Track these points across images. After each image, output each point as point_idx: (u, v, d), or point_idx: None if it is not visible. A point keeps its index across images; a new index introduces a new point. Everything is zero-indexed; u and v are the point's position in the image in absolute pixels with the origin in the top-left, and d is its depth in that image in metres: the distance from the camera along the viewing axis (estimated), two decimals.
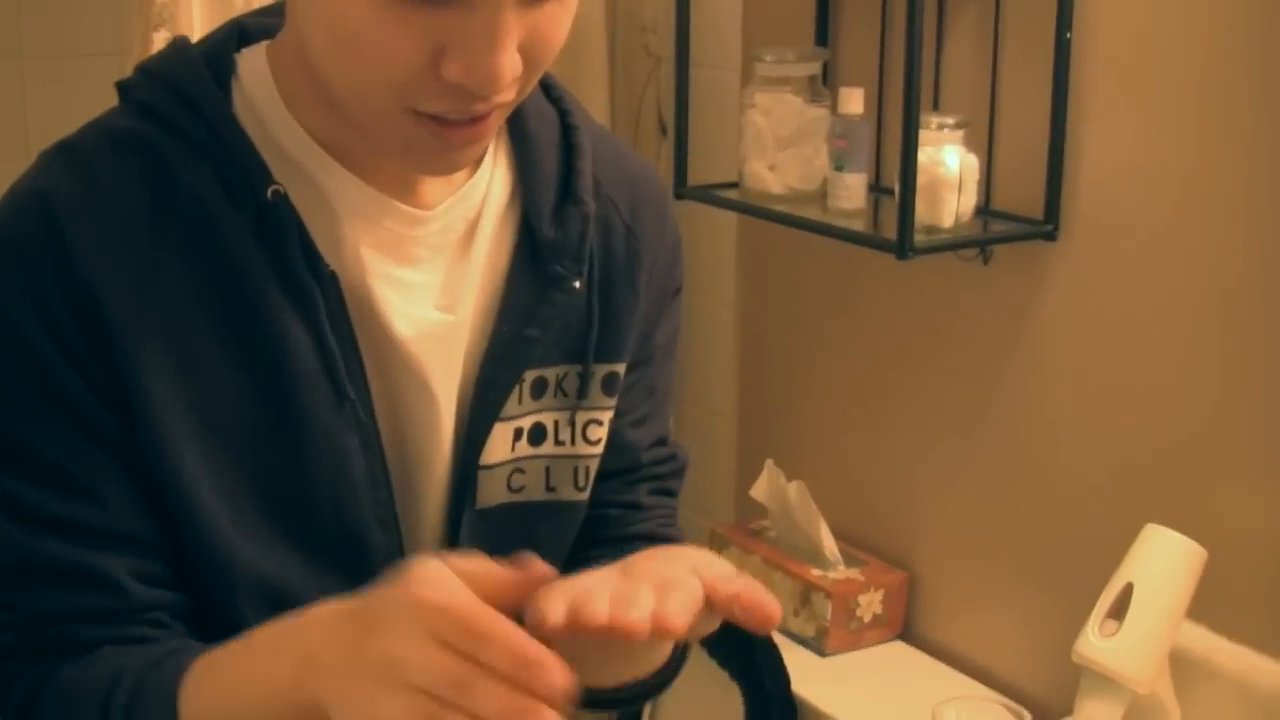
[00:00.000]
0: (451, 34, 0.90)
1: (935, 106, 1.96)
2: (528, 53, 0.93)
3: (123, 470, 0.99)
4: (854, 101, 1.91)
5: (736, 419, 2.47)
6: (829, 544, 2.14)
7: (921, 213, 1.79)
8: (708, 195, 2.13)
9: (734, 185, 2.10)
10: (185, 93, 1.01)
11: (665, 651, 1.08)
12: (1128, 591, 1.61)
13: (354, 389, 1.02)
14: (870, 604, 2.11)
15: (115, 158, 1.00)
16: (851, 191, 1.92)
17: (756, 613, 0.90)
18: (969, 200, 1.84)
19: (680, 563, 0.91)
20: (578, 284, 1.11)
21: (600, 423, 1.15)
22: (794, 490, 2.16)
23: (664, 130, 2.46)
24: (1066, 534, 1.91)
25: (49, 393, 0.98)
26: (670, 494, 1.23)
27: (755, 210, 2.05)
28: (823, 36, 2.12)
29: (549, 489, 1.14)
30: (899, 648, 2.15)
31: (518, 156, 1.12)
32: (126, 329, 0.97)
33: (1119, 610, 1.61)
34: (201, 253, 0.99)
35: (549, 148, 1.13)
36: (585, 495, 1.16)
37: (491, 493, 1.10)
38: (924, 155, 1.78)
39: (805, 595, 2.11)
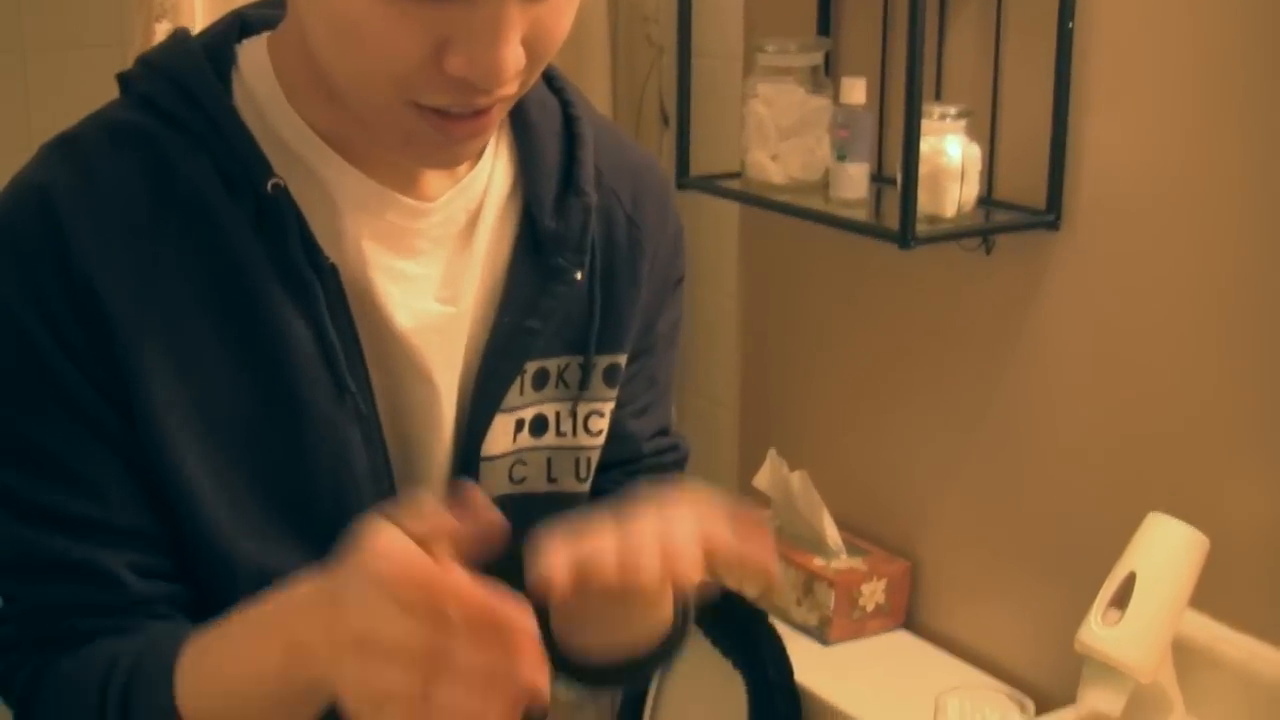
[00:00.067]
0: (454, 27, 0.89)
1: (937, 96, 1.95)
2: (531, 45, 0.92)
3: (122, 464, 0.99)
4: (856, 91, 1.91)
5: (739, 409, 2.47)
6: (832, 533, 2.14)
7: (924, 202, 1.79)
8: (710, 185, 2.13)
9: (736, 175, 2.10)
10: (185, 85, 1.01)
11: (665, 619, 1.08)
12: (1130, 580, 1.62)
13: (354, 381, 1.02)
14: (873, 593, 2.12)
15: (115, 151, 1.00)
16: (854, 181, 1.92)
17: (756, 577, 0.91)
18: (971, 190, 1.84)
19: (680, 521, 0.92)
20: (579, 275, 1.10)
21: (602, 414, 1.15)
22: (797, 480, 2.16)
23: (666, 120, 2.46)
24: (1069, 523, 1.91)
25: (48, 387, 0.97)
26: (670, 481, 1.23)
27: (757, 200, 2.05)
28: (825, 26, 2.12)
29: (550, 480, 1.14)
30: (902, 637, 2.16)
31: (519, 147, 1.12)
32: (125, 323, 0.97)
33: (1122, 599, 1.61)
34: (201, 246, 0.99)
35: (551, 138, 1.13)
36: (587, 486, 1.16)
37: (493, 484, 1.10)
38: (926, 145, 1.78)
39: (808, 585, 2.12)
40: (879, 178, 2.01)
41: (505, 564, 1.10)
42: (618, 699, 2.37)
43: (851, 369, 2.22)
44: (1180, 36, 1.69)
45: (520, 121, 1.12)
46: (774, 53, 2.00)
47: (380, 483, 1.05)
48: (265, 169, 0.99)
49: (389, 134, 0.97)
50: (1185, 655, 1.70)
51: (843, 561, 2.13)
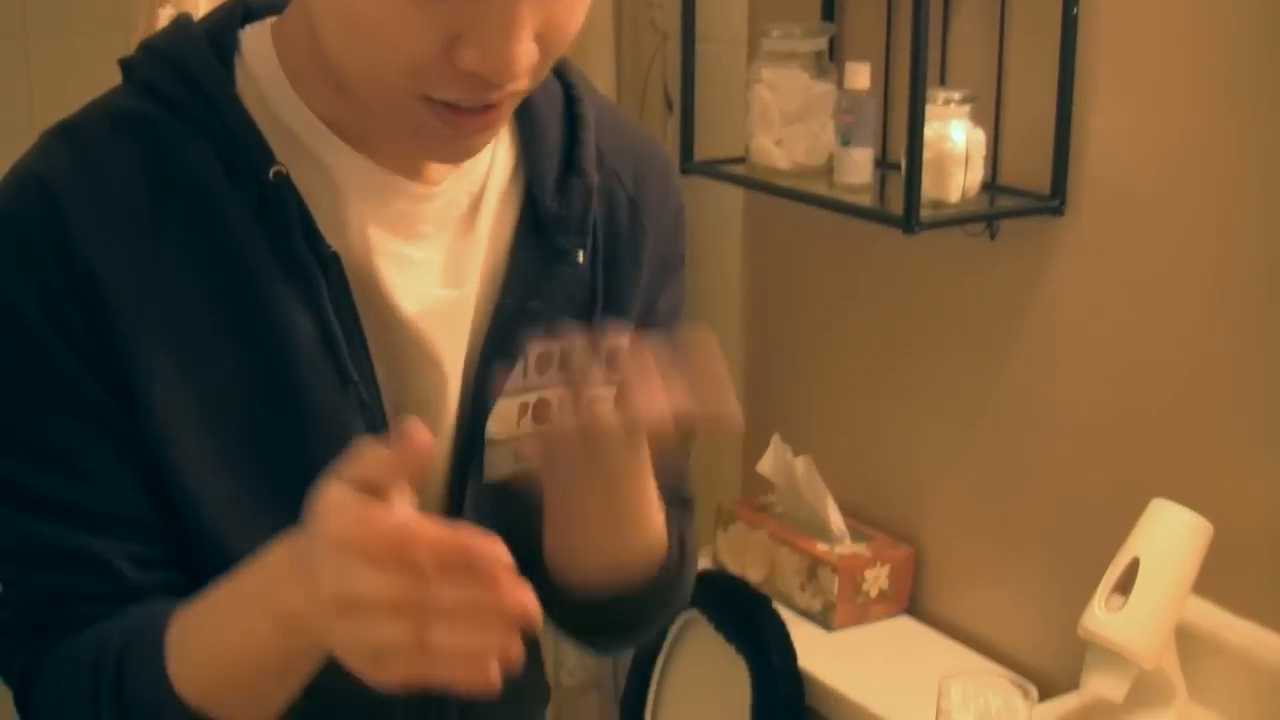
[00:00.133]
0: (467, 21, 0.89)
1: (942, 81, 1.95)
2: (542, 40, 0.92)
3: (121, 454, 0.99)
4: (860, 76, 1.90)
5: (743, 394, 2.47)
6: (835, 519, 2.14)
7: (928, 188, 1.79)
8: (714, 170, 2.13)
9: (740, 160, 2.09)
10: (188, 71, 1.00)
11: (658, 540, 1.08)
12: (1134, 566, 1.62)
13: (357, 371, 1.02)
14: (876, 579, 2.12)
15: (116, 139, 0.99)
16: (858, 166, 1.92)
17: (716, 415, 0.94)
18: (975, 175, 1.84)
19: (632, 366, 0.95)
20: (581, 257, 1.10)
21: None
22: (800, 465, 2.16)
23: (670, 106, 2.46)
24: (1073, 509, 1.91)
25: (48, 376, 0.97)
26: (674, 454, 1.22)
27: (761, 185, 2.05)
28: (829, 11, 2.11)
29: None
30: (905, 622, 2.16)
31: (521, 129, 1.12)
32: (126, 313, 0.97)
33: (1125, 585, 1.62)
34: (202, 234, 0.99)
35: (552, 119, 1.12)
36: None
37: (498, 466, 1.10)
38: (930, 130, 1.77)
39: (812, 570, 2.12)
40: (883, 163, 2.01)
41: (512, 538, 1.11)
42: (621, 684, 2.38)
43: (855, 354, 2.22)
44: (1185, 22, 1.68)
45: (522, 104, 1.11)
46: (778, 38, 2.00)
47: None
48: (267, 156, 0.99)
49: (398, 127, 0.96)
50: (1188, 641, 1.70)
51: (846, 547, 2.13)
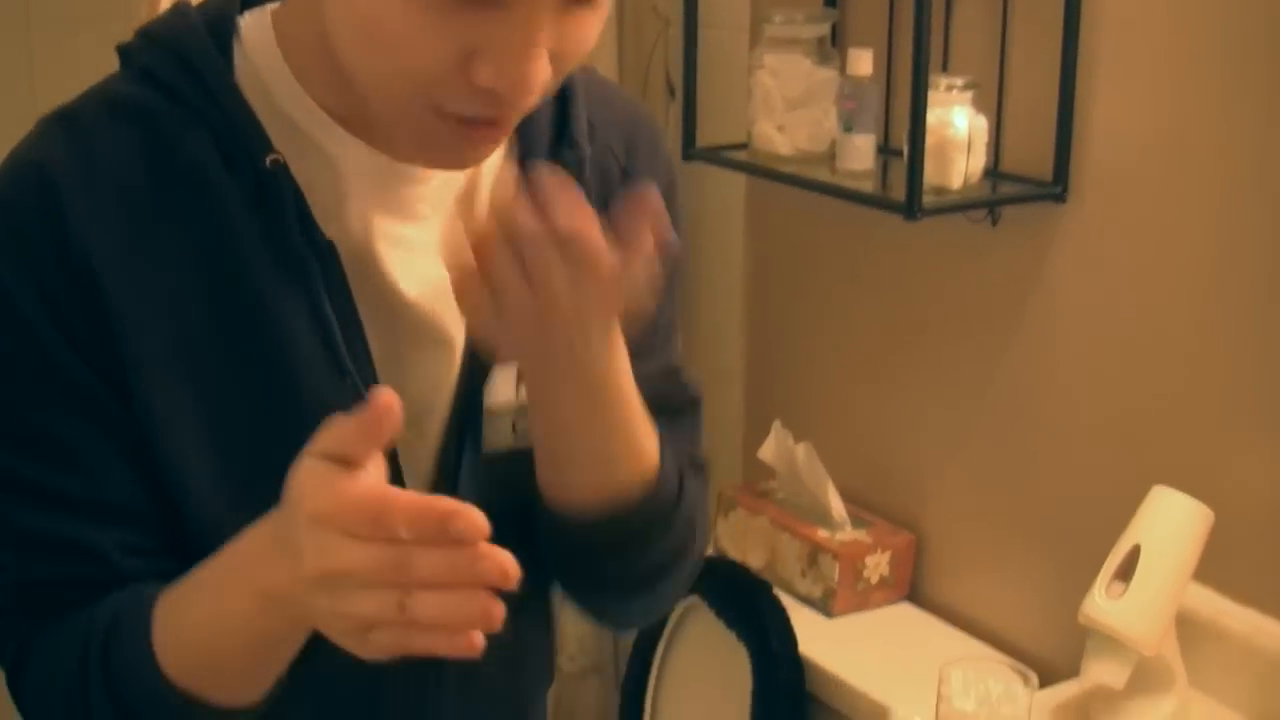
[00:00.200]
0: (484, 38, 0.89)
1: (944, 68, 1.95)
2: (556, 59, 0.92)
3: (115, 442, 0.99)
4: (863, 63, 1.90)
5: (744, 380, 2.47)
6: (836, 505, 2.14)
7: (930, 174, 1.79)
8: (716, 156, 2.13)
9: (742, 147, 2.09)
10: (186, 57, 1.00)
11: (649, 458, 1.06)
12: (1135, 553, 1.62)
13: (354, 361, 1.02)
14: (877, 565, 2.12)
15: (114, 127, 0.99)
16: (860, 153, 1.92)
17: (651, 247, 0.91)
18: (978, 162, 1.84)
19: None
20: None
21: None
22: (801, 451, 2.16)
23: (672, 92, 2.45)
24: (1074, 496, 1.91)
25: (42, 365, 0.97)
26: (680, 421, 1.20)
27: (763, 171, 2.05)
28: None
29: None
30: (906, 609, 2.16)
31: None
32: (123, 302, 0.97)
33: (1126, 572, 1.62)
34: (199, 223, 0.99)
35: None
36: None
37: (497, 437, 1.10)
38: (933, 116, 1.77)
39: (812, 556, 2.12)
40: (885, 149, 2.00)
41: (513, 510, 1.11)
42: (621, 669, 2.38)
43: (857, 341, 2.22)
44: (1188, 8, 1.68)
45: None
46: (781, 24, 1.99)
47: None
48: (264, 144, 0.99)
49: (405, 134, 0.96)
50: (1189, 628, 1.70)
51: (847, 533, 2.14)
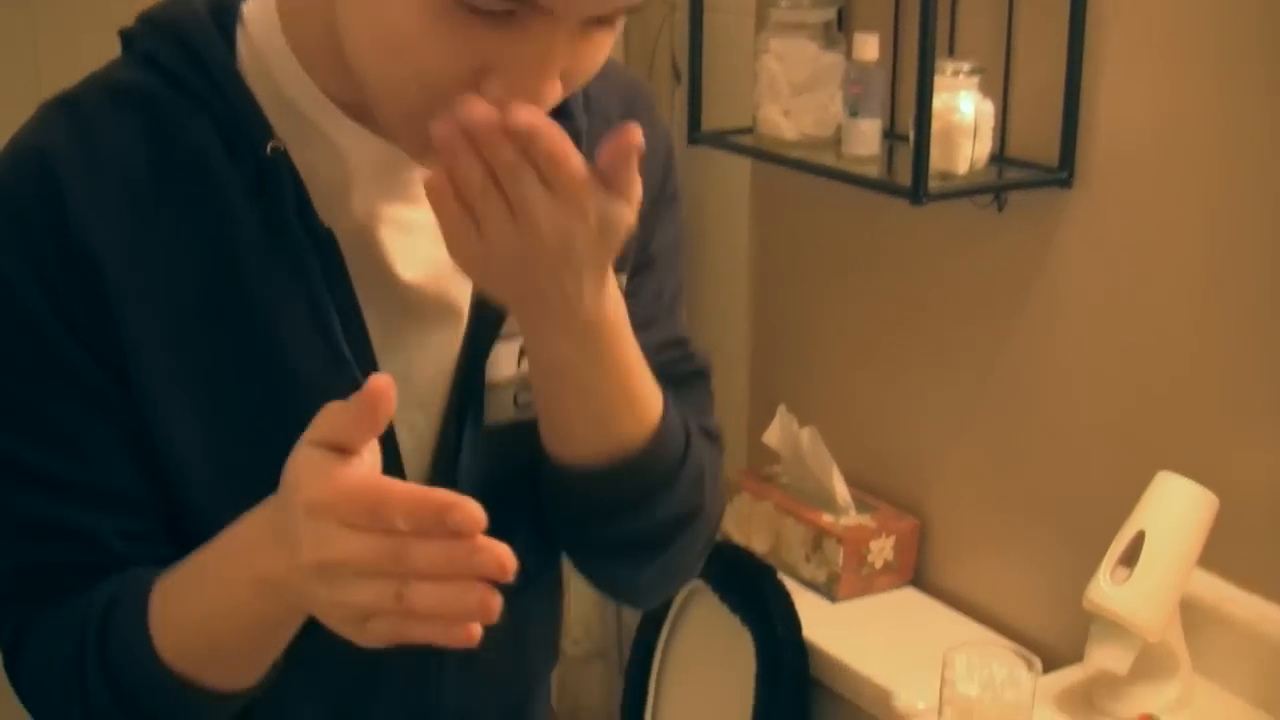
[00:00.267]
0: (500, 55, 0.88)
1: (950, 53, 1.94)
2: (566, 78, 0.91)
3: (114, 429, 0.99)
4: (869, 47, 1.90)
5: (749, 364, 2.47)
6: (841, 490, 2.14)
7: (936, 159, 1.79)
8: (721, 141, 2.12)
9: (748, 131, 2.09)
10: (188, 43, 1.00)
11: (651, 412, 1.05)
12: (1139, 539, 1.62)
13: (351, 349, 1.01)
14: (882, 550, 2.12)
15: (116, 113, 0.98)
16: (866, 138, 1.92)
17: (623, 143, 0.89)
18: (984, 147, 1.83)
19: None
20: None
21: None
22: (806, 436, 2.16)
23: (678, 76, 2.45)
24: (1078, 481, 1.91)
25: (42, 352, 0.97)
26: (688, 390, 1.19)
27: (769, 156, 2.05)
28: None
29: None
30: (910, 594, 2.16)
31: None
32: (123, 289, 0.97)
33: (1130, 558, 1.62)
34: (200, 210, 0.98)
35: None
36: None
37: (498, 410, 1.09)
38: (939, 101, 1.77)
39: (817, 541, 2.12)
40: (891, 134, 2.00)
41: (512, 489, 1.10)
42: (626, 653, 2.39)
43: (862, 326, 2.22)
44: None
45: None
46: (787, 8, 1.99)
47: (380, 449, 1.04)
48: (265, 132, 0.98)
49: (409, 135, 0.95)
50: (1193, 614, 1.70)
51: (851, 518, 2.14)
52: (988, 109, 1.83)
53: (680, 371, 1.19)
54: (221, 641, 0.97)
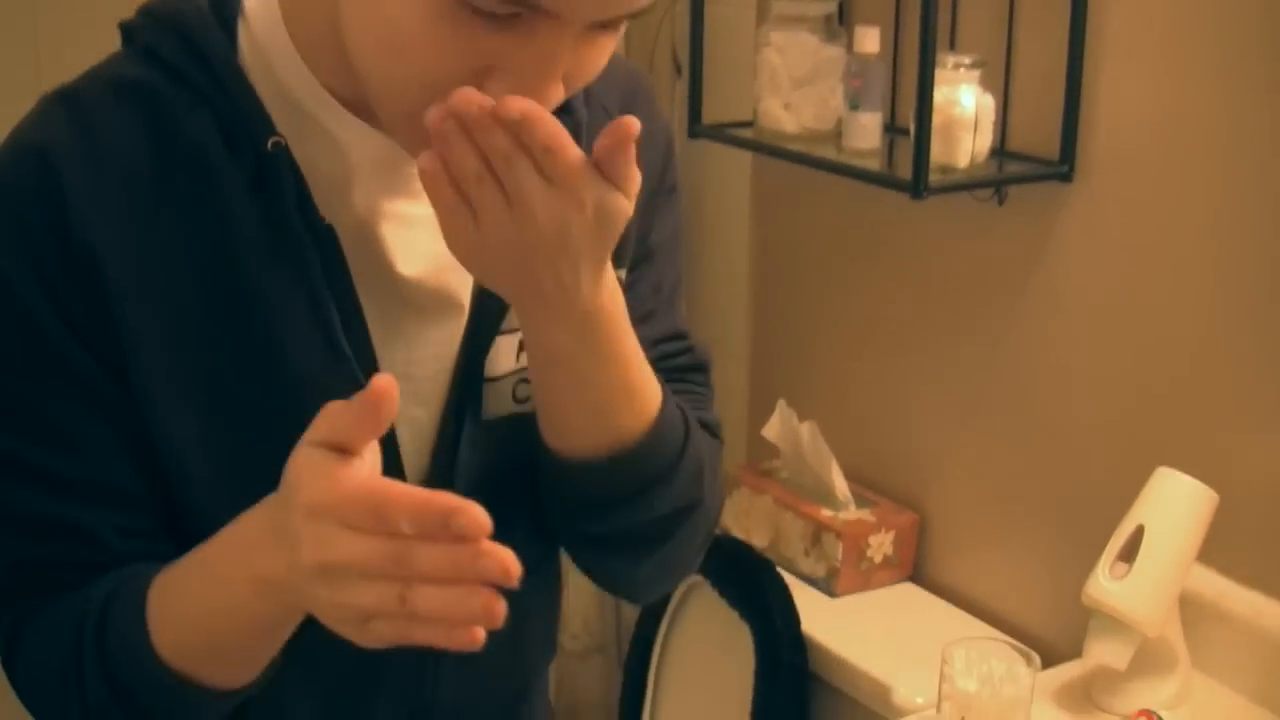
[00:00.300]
0: (503, 58, 0.88)
1: (951, 46, 1.94)
2: (567, 80, 0.91)
3: (113, 427, 0.99)
4: (870, 40, 1.89)
5: (749, 359, 2.47)
6: (840, 485, 2.14)
7: (936, 153, 1.78)
8: (722, 134, 2.12)
9: (748, 124, 2.08)
10: (189, 37, 0.99)
11: (649, 402, 1.04)
12: (1138, 534, 1.62)
13: (351, 345, 1.01)
14: (881, 545, 2.12)
15: (118, 108, 0.98)
16: (866, 131, 1.91)
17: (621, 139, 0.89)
18: (984, 140, 1.83)
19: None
20: None
21: None
22: (806, 430, 2.16)
23: (678, 69, 2.45)
24: (1078, 476, 1.91)
25: (42, 350, 0.97)
26: (687, 383, 1.19)
27: (769, 149, 2.04)
28: None
29: None
30: (909, 589, 2.16)
31: None
32: (123, 287, 0.96)
33: (1129, 553, 1.61)
34: (200, 206, 0.98)
35: None
36: None
37: (497, 404, 1.09)
38: (940, 95, 1.76)
39: (816, 536, 2.12)
40: (892, 128, 2.00)
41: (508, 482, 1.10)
42: (624, 648, 2.38)
43: (862, 320, 2.22)
44: None
45: None
46: (788, 1, 1.98)
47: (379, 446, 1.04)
48: (267, 127, 0.98)
49: (409, 137, 0.94)
50: (1192, 610, 1.70)
51: (851, 513, 2.13)
52: (988, 103, 1.82)
53: (679, 364, 1.18)
54: (220, 639, 0.97)
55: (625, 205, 0.91)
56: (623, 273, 1.13)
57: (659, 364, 1.08)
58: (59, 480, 0.99)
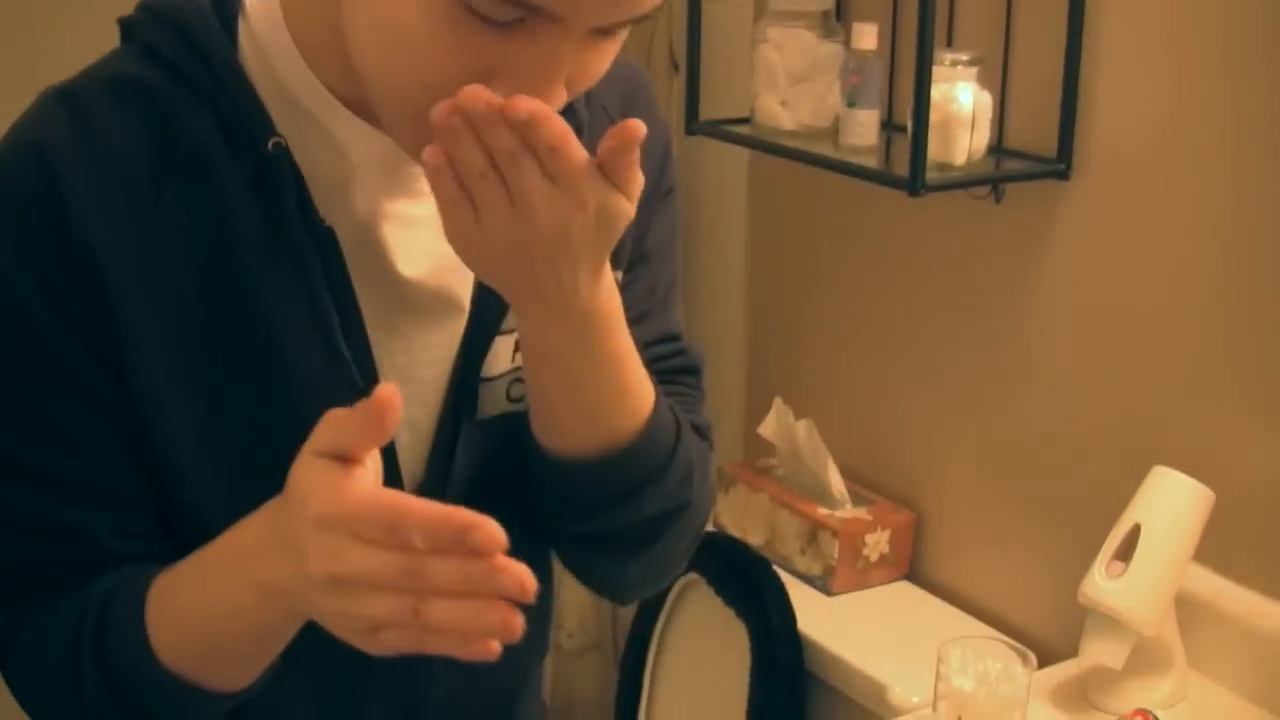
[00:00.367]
0: (506, 61, 0.88)
1: (949, 43, 1.94)
2: (570, 83, 0.91)
3: (111, 428, 0.99)
4: (867, 37, 1.89)
5: (745, 356, 2.47)
6: (837, 483, 2.14)
7: (934, 150, 1.78)
8: (719, 131, 2.12)
9: (745, 121, 2.08)
10: (190, 35, 0.98)
11: (642, 403, 1.04)
12: (1135, 533, 1.61)
13: (350, 348, 1.01)
14: (877, 543, 2.11)
15: (117, 106, 0.97)
16: (864, 128, 1.91)
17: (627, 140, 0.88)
18: (982, 138, 1.83)
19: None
20: None
21: None
22: (802, 429, 2.15)
23: (676, 65, 2.44)
24: (1074, 475, 1.90)
25: (41, 350, 0.97)
26: (679, 385, 1.19)
27: (767, 146, 2.04)
28: None
29: None
30: (905, 587, 2.16)
31: None
32: (122, 286, 0.96)
33: (1126, 552, 1.61)
34: (200, 206, 0.97)
35: None
36: None
37: (492, 404, 1.09)
38: (937, 92, 1.76)
39: (812, 534, 2.11)
40: (889, 125, 1.99)
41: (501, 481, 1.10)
42: (620, 646, 2.38)
43: (859, 318, 2.21)
44: None
45: None
46: None
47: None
48: (267, 127, 0.97)
49: (412, 140, 0.94)
50: (1188, 609, 1.70)
51: (847, 511, 2.13)
52: (986, 100, 1.82)
53: (671, 366, 1.18)
54: (220, 644, 0.97)
55: (627, 207, 0.91)
56: (619, 274, 1.13)
57: (651, 366, 1.08)
58: (57, 481, 0.99)
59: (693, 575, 2.16)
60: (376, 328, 1.03)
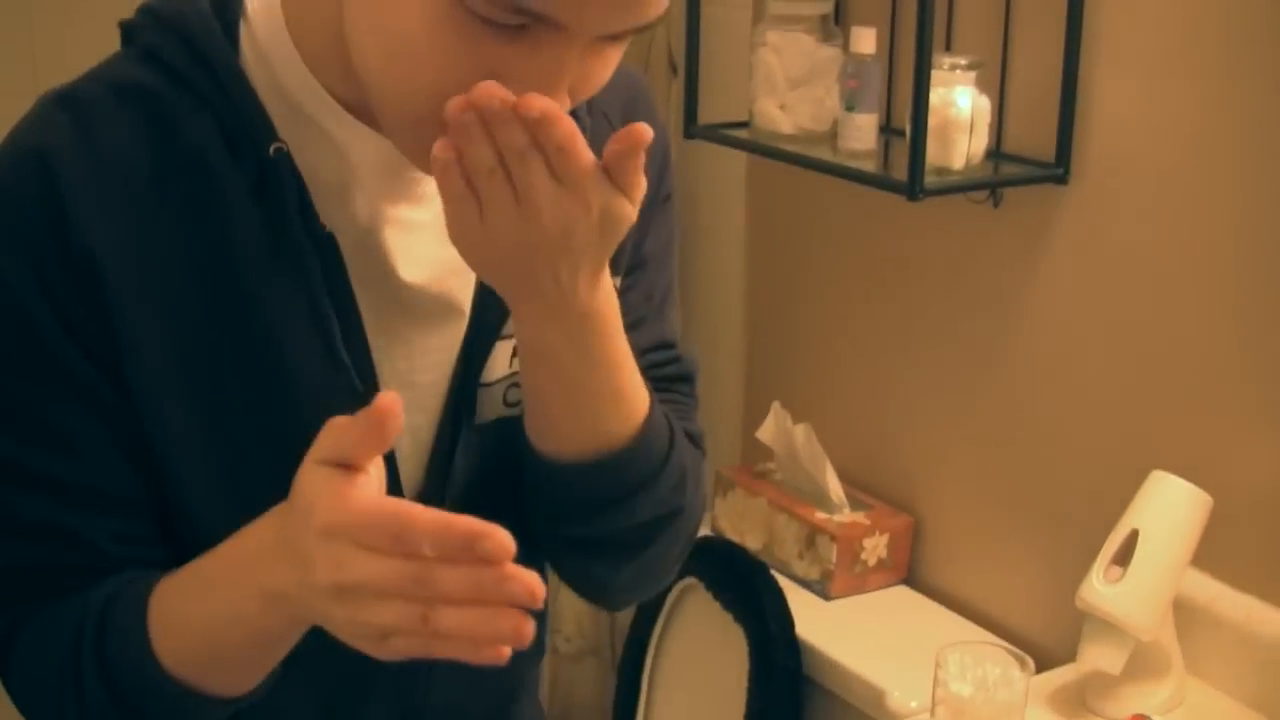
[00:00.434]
0: (509, 68, 0.87)
1: (947, 47, 1.94)
2: (573, 90, 0.91)
3: (111, 432, 0.99)
4: (866, 41, 1.89)
5: (744, 360, 2.46)
6: (835, 487, 2.14)
7: (932, 154, 1.78)
8: (717, 135, 2.11)
9: (744, 125, 2.08)
10: (191, 39, 0.98)
11: (637, 407, 1.04)
12: (1133, 538, 1.61)
13: (350, 354, 1.01)
14: (875, 548, 2.11)
15: (117, 111, 0.97)
16: (862, 132, 1.91)
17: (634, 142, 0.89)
18: (980, 142, 1.83)
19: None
20: None
21: None
22: (800, 433, 2.15)
23: (674, 69, 2.44)
24: (1073, 480, 1.90)
25: (41, 354, 0.96)
26: (673, 392, 1.19)
27: (765, 150, 2.04)
28: None
29: None
30: (903, 592, 2.15)
31: None
32: (123, 290, 0.96)
33: (1124, 557, 1.61)
34: (201, 211, 0.97)
35: None
36: None
37: (489, 408, 1.09)
38: (935, 96, 1.76)
39: (810, 538, 2.11)
40: (888, 129, 1.99)
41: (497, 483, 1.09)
42: (618, 651, 2.38)
43: (857, 322, 2.21)
44: None
45: None
46: (784, 1, 1.98)
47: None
48: (269, 132, 0.97)
49: (413, 146, 0.94)
50: (1186, 614, 1.70)
51: (845, 515, 2.13)
52: (984, 104, 1.82)
53: (666, 374, 1.18)
54: (222, 649, 0.97)
55: (630, 211, 0.92)
56: (617, 279, 1.13)
57: (646, 372, 1.08)
58: (56, 485, 0.99)
59: (691, 579, 2.15)
60: (377, 333, 1.03)
